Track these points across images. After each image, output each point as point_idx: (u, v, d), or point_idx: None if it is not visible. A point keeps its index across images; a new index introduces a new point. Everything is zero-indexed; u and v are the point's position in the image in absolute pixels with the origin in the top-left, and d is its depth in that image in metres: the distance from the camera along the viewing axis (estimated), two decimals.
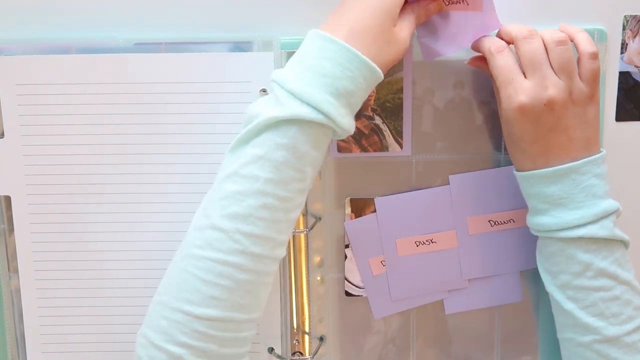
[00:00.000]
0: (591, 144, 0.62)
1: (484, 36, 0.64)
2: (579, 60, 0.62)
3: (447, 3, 0.65)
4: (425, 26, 0.66)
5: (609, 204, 0.62)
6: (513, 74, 0.61)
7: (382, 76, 0.59)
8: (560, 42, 0.60)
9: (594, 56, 0.61)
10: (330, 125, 0.57)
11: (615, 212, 0.62)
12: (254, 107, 0.59)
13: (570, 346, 0.64)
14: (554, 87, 0.60)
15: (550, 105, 0.60)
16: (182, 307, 0.56)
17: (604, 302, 0.61)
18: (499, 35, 0.64)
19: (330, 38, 0.57)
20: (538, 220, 0.63)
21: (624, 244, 0.63)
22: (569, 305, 0.63)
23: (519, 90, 0.60)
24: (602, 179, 0.62)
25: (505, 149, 0.70)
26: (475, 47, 0.65)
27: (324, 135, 0.58)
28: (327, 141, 0.59)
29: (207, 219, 0.57)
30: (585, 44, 0.62)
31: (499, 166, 0.71)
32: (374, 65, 0.57)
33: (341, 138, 0.60)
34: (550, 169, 0.61)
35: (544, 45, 0.61)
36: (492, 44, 0.62)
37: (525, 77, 0.61)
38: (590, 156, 0.61)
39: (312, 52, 0.57)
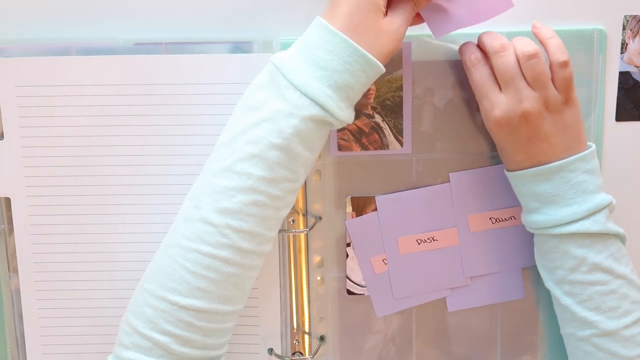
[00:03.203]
0: (574, 146, 0.62)
1: (465, 44, 0.64)
2: (551, 69, 0.62)
3: None
4: (432, 5, 0.64)
5: (601, 198, 0.62)
6: (487, 88, 0.62)
7: (382, 69, 0.59)
8: (532, 56, 0.60)
9: (565, 65, 0.61)
10: (328, 119, 0.57)
11: (607, 207, 0.63)
12: (257, 91, 0.59)
13: (571, 341, 0.65)
14: (527, 100, 0.61)
15: (525, 117, 0.61)
16: (168, 297, 0.57)
17: (600, 297, 0.62)
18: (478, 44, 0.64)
19: (331, 29, 0.57)
20: (531, 218, 0.64)
21: (620, 238, 0.64)
22: (566, 300, 0.64)
23: (494, 104, 0.62)
24: (592, 174, 0.62)
25: None
26: (461, 54, 0.65)
27: (321, 130, 0.58)
28: (323, 139, 0.60)
29: (197, 210, 0.58)
30: (556, 53, 0.62)
31: (498, 164, 0.70)
32: (373, 58, 0.57)
33: (340, 127, 0.60)
34: (542, 167, 0.62)
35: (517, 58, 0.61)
36: (468, 57, 0.63)
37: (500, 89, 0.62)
38: (577, 153, 0.62)
39: (314, 41, 0.57)
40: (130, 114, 0.68)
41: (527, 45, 0.61)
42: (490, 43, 0.62)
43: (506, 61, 0.61)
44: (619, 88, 0.70)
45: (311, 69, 0.57)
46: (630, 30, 0.69)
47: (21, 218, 0.70)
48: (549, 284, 0.66)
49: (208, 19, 0.68)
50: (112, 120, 0.68)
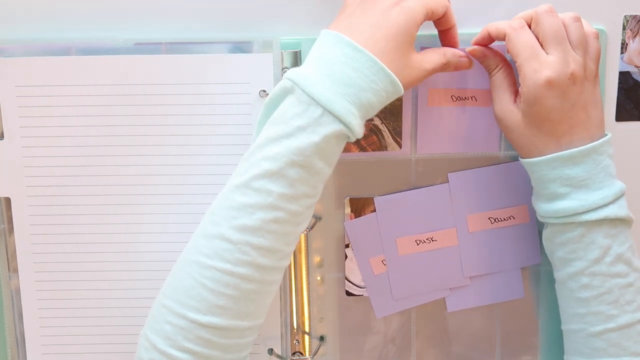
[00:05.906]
0: (602, 123, 0.63)
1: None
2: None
3: (454, 99, 0.67)
4: (427, 122, 0.67)
5: (621, 183, 0.63)
6: (537, 49, 0.61)
7: (402, 92, 0.59)
8: (577, 19, 0.61)
9: (597, 36, 0.63)
10: (348, 134, 0.57)
11: (624, 192, 0.63)
12: (272, 106, 0.58)
13: (578, 338, 0.64)
14: (574, 62, 0.60)
15: (573, 79, 0.60)
16: (187, 314, 0.56)
17: (619, 289, 0.61)
18: None
19: (357, 47, 0.57)
20: (558, 206, 0.62)
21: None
22: (583, 294, 0.63)
23: (544, 64, 0.60)
24: (612, 159, 0.63)
25: (505, 148, 0.70)
26: (493, 28, 0.64)
27: (341, 145, 0.58)
28: (339, 153, 0.59)
29: (216, 227, 0.57)
30: (588, 25, 0.63)
31: (497, 164, 0.70)
32: (397, 80, 0.57)
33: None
34: (576, 149, 0.61)
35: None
36: (509, 23, 0.62)
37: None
38: (603, 136, 0.62)
39: (336, 58, 0.57)
40: (130, 114, 0.68)
41: (569, 12, 0.62)
42: (535, 8, 0.62)
43: (557, 21, 0.61)
44: (619, 88, 0.70)
45: (335, 86, 0.56)
46: (630, 30, 0.69)
47: (21, 218, 0.70)
48: (563, 276, 0.64)
49: (208, 19, 0.68)
50: (112, 120, 0.68)
